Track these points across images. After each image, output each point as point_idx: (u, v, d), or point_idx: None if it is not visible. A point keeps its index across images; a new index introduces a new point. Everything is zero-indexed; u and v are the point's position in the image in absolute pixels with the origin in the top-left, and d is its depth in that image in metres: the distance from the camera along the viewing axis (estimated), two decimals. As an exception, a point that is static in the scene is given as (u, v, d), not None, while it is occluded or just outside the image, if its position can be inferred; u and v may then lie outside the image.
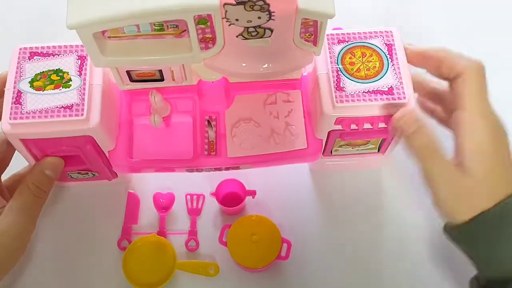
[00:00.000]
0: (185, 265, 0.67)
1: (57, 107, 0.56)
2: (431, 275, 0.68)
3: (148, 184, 0.72)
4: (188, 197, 0.71)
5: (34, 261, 0.68)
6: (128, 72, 0.58)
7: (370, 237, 0.70)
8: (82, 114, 0.56)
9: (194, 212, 0.70)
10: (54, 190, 0.65)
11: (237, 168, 0.64)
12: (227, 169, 0.64)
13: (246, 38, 0.52)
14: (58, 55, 0.59)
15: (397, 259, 0.69)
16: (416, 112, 0.58)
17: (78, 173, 0.66)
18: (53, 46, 0.59)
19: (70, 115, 0.56)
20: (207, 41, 0.53)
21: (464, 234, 0.56)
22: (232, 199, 0.69)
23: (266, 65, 0.55)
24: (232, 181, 0.69)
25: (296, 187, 0.73)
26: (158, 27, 0.52)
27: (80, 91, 0.57)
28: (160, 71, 0.58)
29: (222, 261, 0.68)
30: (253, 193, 0.69)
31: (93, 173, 0.66)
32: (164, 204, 0.70)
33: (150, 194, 0.71)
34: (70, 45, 0.59)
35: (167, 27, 0.52)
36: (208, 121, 0.64)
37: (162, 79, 0.59)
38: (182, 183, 0.71)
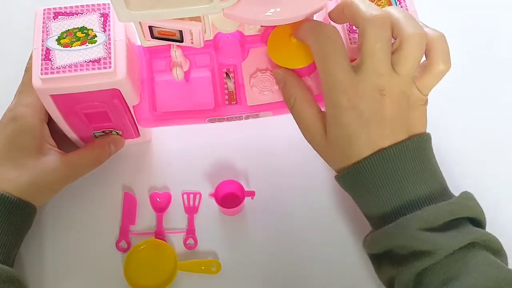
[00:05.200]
0: (187, 265, 0.68)
1: (85, 61, 0.58)
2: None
3: (144, 184, 0.73)
4: (185, 195, 0.72)
5: (34, 261, 0.69)
6: (150, 28, 0.60)
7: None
8: (110, 67, 0.58)
9: (191, 210, 0.71)
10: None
11: (257, 116, 0.66)
12: (248, 117, 0.66)
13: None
14: (81, 13, 0.61)
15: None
16: (279, 72, 0.62)
17: (102, 132, 0.68)
18: (75, 6, 0.61)
19: (98, 68, 0.58)
20: (227, -10, 0.55)
21: (343, 181, 0.61)
22: (231, 200, 0.70)
23: (284, 10, 0.57)
24: (231, 182, 0.71)
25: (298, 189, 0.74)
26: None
27: (106, 45, 0.59)
28: (181, 32, 0.60)
29: (223, 257, 0.69)
30: (252, 194, 0.70)
31: (117, 131, 0.69)
32: (161, 203, 0.72)
33: (146, 194, 0.72)
34: (92, 4, 0.62)
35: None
36: (226, 73, 0.67)
37: (181, 41, 0.62)
38: (178, 182, 0.73)
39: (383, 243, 0.58)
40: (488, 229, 0.58)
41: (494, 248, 0.56)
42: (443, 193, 0.58)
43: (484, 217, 0.58)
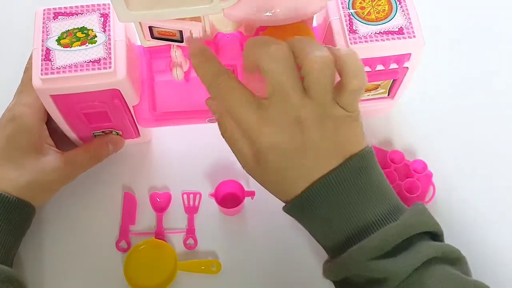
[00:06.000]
0: (187, 265, 0.68)
1: (85, 61, 0.58)
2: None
3: (144, 184, 0.73)
4: (185, 195, 0.72)
5: (34, 261, 0.69)
6: (150, 28, 0.60)
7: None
8: (110, 67, 0.58)
9: (191, 210, 0.72)
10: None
11: (257, 116, 0.66)
12: (248, 117, 0.66)
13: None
14: (81, 14, 0.61)
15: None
16: (213, 103, 0.58)
17: (102, 132, 0.69)
18: (75, 6, 0.62)
19: (98, 68, 0.58)
20: (227, -10, 0.55)
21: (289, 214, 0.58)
22: (231, 200, 0.70)
23: (284, 10, 0.57)
24: (231, 182, 0.71)
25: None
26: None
27: (106, 46, 0.59)
28: (181, 32, 0.60)
29: (223, 257, 0.69)
30: (252, 194, 0.70)
31: (117, 131, 0.69)
32: (161, 203, 0.72)
33: (146, 194, 0.72)
34: (92, 4, 0.62)
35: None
36: (227, 73, 0.66)
37: (181, 41, 0.62)
38: (178, 182, 0.73)
39: (337, 273, 0.55)
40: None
41: (452, 258, 0.55)
42: (394, 210, 0.54)
43: (440, 228, 0.56)
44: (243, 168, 0.58)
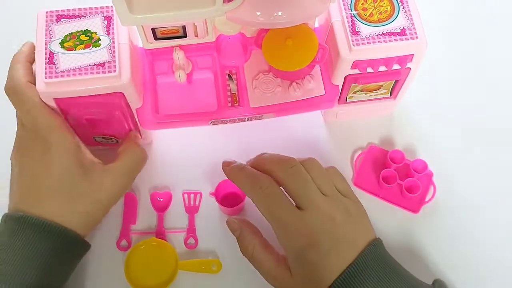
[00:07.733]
0: (187, 265, 0.68)
1: (89, 65, 0.58)
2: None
3: (145, 183, 0.73)
4: (186, 195, 0.72)
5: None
6: (153, 30, 0.60)
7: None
8: (114, 71, 0.58)
9: (191, 210, 0.71)
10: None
11: (260, 118, 0.66)
12: (250, 119, 0.66)
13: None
14: (85, 16, 0.61)
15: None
16: (234, 221, 0.64)
17: (102, 137, 0.68)
18: (78, 8, 0.61)
19: (103, 72, 0.58)
20: (230, -7, 0.55)
21: None
22: (231, 199, 0.70)
23: (286, 13, 0.57)
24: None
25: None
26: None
27: (110, 49, 0.59)
28: (184, 27, 0.60)
29: (223, 257, 0.69)
30: (252, 193, 0.71)
31: (117, 139, 0.69)
32: (161, 203, 0.72)
33: (147, 193, 0.72)
34: (95, 7, 0.61)
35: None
36: (229, 75, 0.67)
37: (185, 36, 0.62)
38: (179, 182, 0.73)
39: None
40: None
41: None
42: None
43: None
44: (267, 278, 0.61)
